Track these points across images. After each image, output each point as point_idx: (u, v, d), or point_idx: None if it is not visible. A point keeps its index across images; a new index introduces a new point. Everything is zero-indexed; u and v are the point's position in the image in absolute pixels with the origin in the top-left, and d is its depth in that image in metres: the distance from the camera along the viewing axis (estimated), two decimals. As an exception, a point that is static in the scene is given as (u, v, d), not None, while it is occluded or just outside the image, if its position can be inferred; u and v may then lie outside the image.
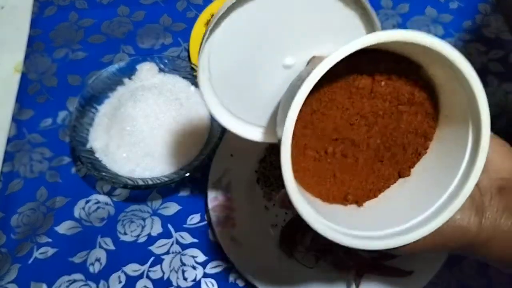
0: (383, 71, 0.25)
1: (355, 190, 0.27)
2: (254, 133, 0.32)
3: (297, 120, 0.22)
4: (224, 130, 0.48)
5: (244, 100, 0.31)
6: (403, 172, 0.27)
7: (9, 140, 0.51)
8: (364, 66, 0.25)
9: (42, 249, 0.45)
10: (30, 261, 0.45)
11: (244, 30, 0.28)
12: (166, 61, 0.52)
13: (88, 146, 0.48)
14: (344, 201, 0.27)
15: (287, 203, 0.28)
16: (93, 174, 0.45)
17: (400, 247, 0.24)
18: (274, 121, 0.30)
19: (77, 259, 0.45)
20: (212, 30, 0.27)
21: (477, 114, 0.23)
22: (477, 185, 0.25)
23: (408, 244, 0.24)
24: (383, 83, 0.25)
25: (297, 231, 0.45)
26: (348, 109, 0.25)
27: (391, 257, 0.43)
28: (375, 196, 0.27)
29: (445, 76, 0.24)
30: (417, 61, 0.25)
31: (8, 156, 0.50)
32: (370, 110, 0.26)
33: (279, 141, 0.23)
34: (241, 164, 0.48)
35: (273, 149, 0.49)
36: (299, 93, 0.21)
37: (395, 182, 0.27)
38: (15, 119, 0.53)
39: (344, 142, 0.26)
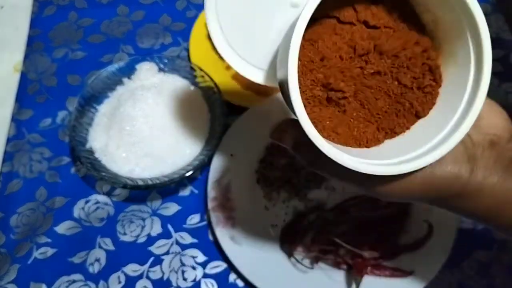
0: (387, 17, 0.25)
1: (351, 139, 0.27)
2: (258, 75, 0.31)
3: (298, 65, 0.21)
4: (224, 130, 0.47)
5: (251, 41, 0.30)
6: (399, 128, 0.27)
7: (8, 140, 0.51)
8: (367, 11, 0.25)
9: (42, 249, 0.45)
10: (29, 261, 0.45)
11: None
12: (165, 60, 0.52)
13: (87, 146, 0.47)
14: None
15: (280, 133, 0.29)
16: (92, 174, 0.45)
17: (395, 183, 0.25)
18: (275, 63, 0.29)
19: (76, 259, 0.45)
20: None
21: (478, 40, 0.23)
22: (470, 137, 0.26)
23: (402, 179, 0.24)
24: (386, 30, 0.25)
25: (297, 231, 0.45)
26: (351, 57, 0.25)
27: (391, 257, 0.43)
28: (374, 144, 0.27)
29: (446, 16, 0.24)
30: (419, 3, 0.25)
31: (7, 156, 0.50)
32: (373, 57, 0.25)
33: (281, 80, 0.22)
34: (241, 164, 0.48)
35: (273, 149, 0.49)
36: (299, 21, 0.21)
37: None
38: (14, 119, 0.53)
39: (352, 87, 0.26)
